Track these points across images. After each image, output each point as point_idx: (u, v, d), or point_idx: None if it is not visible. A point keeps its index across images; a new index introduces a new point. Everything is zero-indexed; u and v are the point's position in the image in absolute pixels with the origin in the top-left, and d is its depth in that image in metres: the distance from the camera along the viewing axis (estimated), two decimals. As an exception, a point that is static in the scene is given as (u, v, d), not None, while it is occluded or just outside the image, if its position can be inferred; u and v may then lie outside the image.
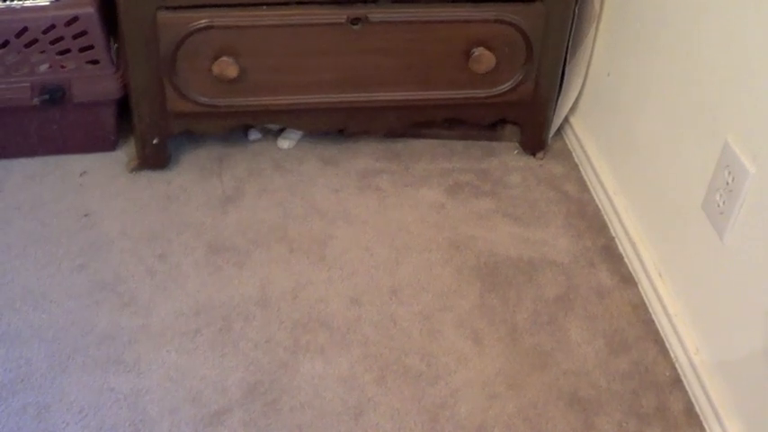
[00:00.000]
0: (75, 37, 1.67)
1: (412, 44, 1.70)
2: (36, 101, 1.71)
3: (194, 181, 1.79)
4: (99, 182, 1.78)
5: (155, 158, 1.79)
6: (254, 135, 1.90)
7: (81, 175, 1.79)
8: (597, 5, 1.76)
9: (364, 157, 1.88)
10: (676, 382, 1.43)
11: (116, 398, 1.36)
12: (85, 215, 1.69)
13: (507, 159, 1.90)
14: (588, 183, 1.83)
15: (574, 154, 1.91)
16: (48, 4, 1.64)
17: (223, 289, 1.55)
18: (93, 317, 1.49)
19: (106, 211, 1.71)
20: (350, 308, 1.53)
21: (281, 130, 1.90)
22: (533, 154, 1.91)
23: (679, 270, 1.49)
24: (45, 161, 1.81)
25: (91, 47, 1.69)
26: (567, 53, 1.81)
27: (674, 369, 1.45)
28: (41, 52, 1.68)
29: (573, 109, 1.92)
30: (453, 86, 1.76)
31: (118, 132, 1.84)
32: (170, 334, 1.47)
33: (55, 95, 1.71)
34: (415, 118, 1.86)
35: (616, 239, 1.69)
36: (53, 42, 1.66)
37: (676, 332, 1.46)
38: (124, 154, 1.85)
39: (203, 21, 1.60)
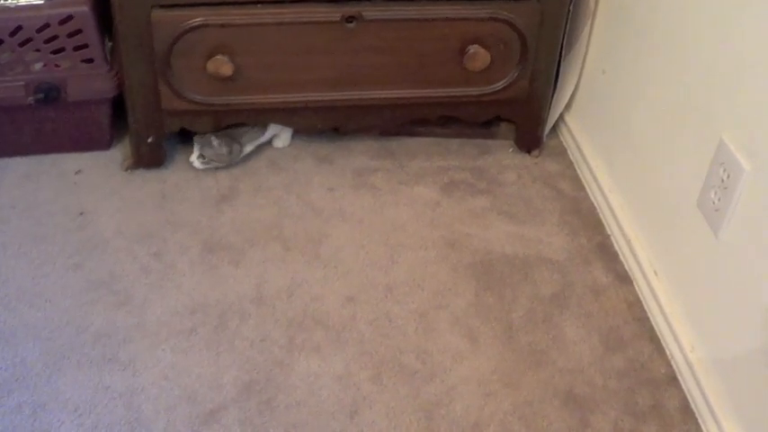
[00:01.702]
0: (69, 36, 1.67)
1: (406, 42, 1.70)
2: (31, 100, 1.71)
3: (189, 179, 1.79)
4: (94, 181, 1.77)
5: (150, 157, 1.79)
6: (197, 163, 1.80)
7: (76, 173, 1.79)
8: (592, 3, 1.76)
9: (359, 155, 1.88)
10: (672, 379, 1.43)
11: (111, 396, 1.36)
12: (80, 214, 1.69)
13: (502, 157, 1.90)
14: (583, 180, 1.83)
15: (569, 152, 1.92)
16: (42, 2, 1.64)
17: (218, 287, 1.55)
18: (88, 315, 1.49)
19: (101, 209, 1.70)
20: (345, 306, 1.53)
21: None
22: (528, 152, 1.91)
23: (674, 267, 1.49)
24: (40, 160, 1.81)
25: (85, 45, 1.69)
26: (561, 51, 1.81)
27: (670, 366, 1.45)
28: (36, 51, 1.67)
29: (568, 106, 1.92)
30: (448, 84, 1.76)
31: (113, 131, 1.84)
32: (165, 332, 1.46)
33: (50, 94, 1.71)
34: (410, 116, 1.86)
35: (611, 237, 1.69)
36: (48, 41, 1.66)
37: (672, 330, 1.46)
38: (119, 153, 1.85)
39: (198, 19, 1.60)
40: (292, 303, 1.53)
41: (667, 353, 1.47)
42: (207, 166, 1.80)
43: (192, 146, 1.79)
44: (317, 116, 1.80)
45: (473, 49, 1.70)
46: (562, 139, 1.96)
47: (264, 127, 1.84)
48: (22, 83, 1.69)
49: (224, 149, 1.77)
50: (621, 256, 1.65)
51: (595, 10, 1.77)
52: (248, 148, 1.83)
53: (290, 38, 1.66)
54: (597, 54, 1.80)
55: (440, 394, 1.39)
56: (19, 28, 1.63)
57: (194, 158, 1.79)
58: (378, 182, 1.81)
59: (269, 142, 1.88)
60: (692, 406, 1.38)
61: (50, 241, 1.63)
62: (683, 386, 1.41)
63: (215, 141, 1.76)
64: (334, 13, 1.64)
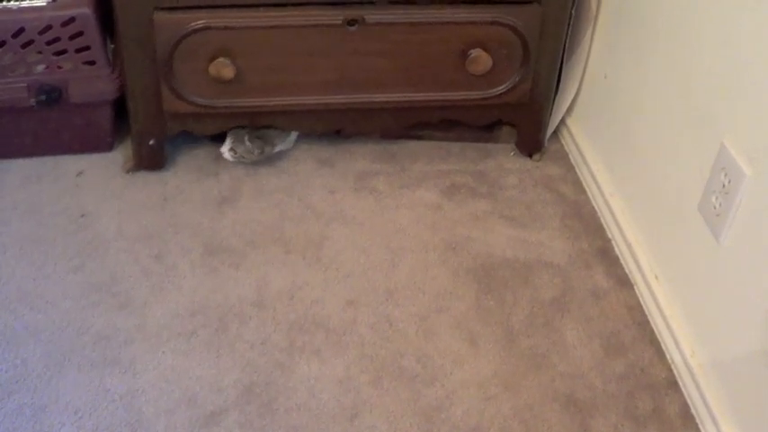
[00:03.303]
0: (71, 38, 1.67)
1: (408, 45, 1.70)
2: (33, 101, 1.71)
3: (191, 182, 1.79)
4: (95, 182, 1.77)
5: (151, 159, 1.79)
6: (227, 155, 1.82)
7: (77, 175, 1.79)
8: (594, 7, 1.76)
9: (360, 158, 1.88)
10: (672, 384, 1.43)
11: (112, 398, 1.36)
12: (82, 216, 1.69)
13: (503, 161, 1.90)
14: (584, 184, 1.83)
15: (570, 156, 1.92)
16: (44, 4, 1.64)
17: (219, 290, 1.55)
18: (88, 317, 1.49)
19: (102, 211, 1.71)
20: (346, 309, 1.53)
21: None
22: (530, 156, 1.91)
23: (675, 272, 1.49)
24: (41, 162, 1.81)
25: (87, 47, 1.69)
26: (563, 55, 1.81)
27: (670, 371, 1.45)
28: (38, 53, 1.67)
29: (569, 111, 1.93)
30: (450, 88, 1.76)
31: (114, 133, 1.84)
32: (166, 335, 1.46)
33: (51, 96, 1.71)
34: (412, 119, 1.86)
35: (612, 241, 1.69)
36: (50, 43, 1.66)
37: (672, 334, 1.46)
38: (120, 155, 1.85)
39: (200, 22, 1.60)
40: (293, 306, 1.53)
41: (668, 357, 1.47)
42: (236, 160, 1.82)
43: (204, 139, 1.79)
44: (319, 119, 1.81)
45: (475, 52, 1.71)
46: (563, 143, 1.96)
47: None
48: (24, 84, 1.69)
49: (255, 151, 1.79)
50: (622, 261, 1.65)
51: (597, 15, 1.77)
52: (278, 148, 1.86)
53: (292, 41, 1.66)
54: (599, 59, 1.80)
55: (440, 398, 1.39)
56: (21, 30, 1.63)
57: (225, 150, 1.81)
58: (379, 185, 1.81)
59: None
60: (693, 410, 1.38)
61: (51, 243, 1.63)
62: (684, 391, 1.41)
63: (248, 143, 1.78)
64: (336, 16, 1.64)
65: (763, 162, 1.22)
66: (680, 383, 1.42)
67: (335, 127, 1.85)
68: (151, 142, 1.76)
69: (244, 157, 1.81)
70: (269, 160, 1.85)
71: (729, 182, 1.29)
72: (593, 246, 1.69)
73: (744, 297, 1.27)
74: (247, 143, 1.78)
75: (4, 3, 1.64)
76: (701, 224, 1.38)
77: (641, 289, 1.57)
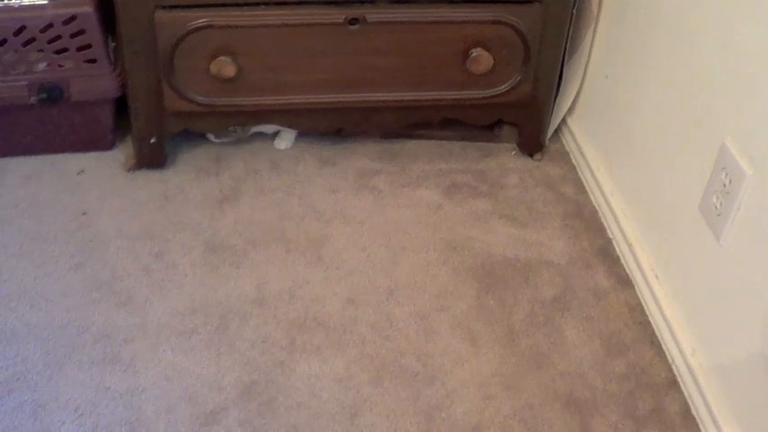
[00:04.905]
0: (73, 36, 1.67)
1: (410, 45, 1.70)
2: (33, 100, 1.71)
3: (191, 180, 1.79)
4: (96, 181, 1.77)
5: (152, 158, 1.79)
6: (212, 137, 1.90)
7: (78, 174, 1.79)
8: (595, 7, 1.76)
9: (361, 157, 1.88)
10: (672, 383, 1.43)
11: (112, 397, 1.36)
12: (83, 214, 1.69)
13: (504, 160, 1.90)
14: (585, 184, 1.83)
15: (571, 155, 1.92)
16: (46, 2, 1.64)
17: (220, 288, 1.55)
18: (89, 315, 1.49)
19: (103, 210, 1.71)
20: (346, 308, 1.53)
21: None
22: (531, 155, 1.91)
23: (676, 272, 1.49)
24: (42, 160, 1.81)
25: (89, 46, 1.69)
26: (564, 55, 1.81)
27: (671, 371, 1.45)
28: (39, 51, 1.68)
29: (570, 111, 1.93)
30: (451, 87, 1.77)
31: (115, 131, 1.85)
32: (166, 333, 1.46)
33: (52, 94, 1.71)
34: (413, 118, 1.86)
35: (613, 241, 1.69)
36: (51, 41, 1.66)
37: (673, 334, 1.46)
38: (121, 153, 1.85)
39: (201, 20, 1.60)
40: (293, 305, 1.53)
41: (668, 357, 1.47)
42: (220, 140, 1.88)
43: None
44: (320, 118, 1.81)
45: (476, 52, 1.71)
46: (564, 142, 1.96)
47: None
48: (25, 83, 1.69)
49: (238, 128, 1.88)
50: (623, 260, 1.65)
51: (598, 15, 1.77)
52: (255, 129, 1.90)
53: (294, 39, 1.66)
54: (600, 59, 1.80)
55: (440, 397, 1.39)
56: (23, 28, 1.64)
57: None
58: (380, 184, 1.81)
59: (271, 140, 1.89)
60: (693, 410, 1.38)
61: (52, 241, 1.63)
62: (684, 390, 1.41)
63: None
64: (337, 15, 1.64)
65: (765, 161, 1.22)
66: (680, 383, 1.43)
67: (336, 126, 1.85)
68: (152, 141, 1.76)
69: (228, 136, 1.88)
70: (270, 160, 1.85)
71: (730, 182, 1.29)
72: (593, 245, 1.69)
73: (744, 296, 1.27)
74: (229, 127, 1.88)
75: (6, 1, 1.64)
76: (701, 224, 1.38)
77: (642, 288, 1.57)
